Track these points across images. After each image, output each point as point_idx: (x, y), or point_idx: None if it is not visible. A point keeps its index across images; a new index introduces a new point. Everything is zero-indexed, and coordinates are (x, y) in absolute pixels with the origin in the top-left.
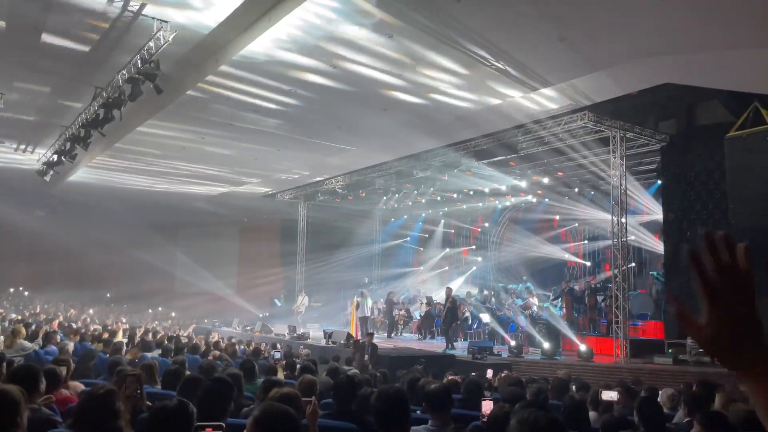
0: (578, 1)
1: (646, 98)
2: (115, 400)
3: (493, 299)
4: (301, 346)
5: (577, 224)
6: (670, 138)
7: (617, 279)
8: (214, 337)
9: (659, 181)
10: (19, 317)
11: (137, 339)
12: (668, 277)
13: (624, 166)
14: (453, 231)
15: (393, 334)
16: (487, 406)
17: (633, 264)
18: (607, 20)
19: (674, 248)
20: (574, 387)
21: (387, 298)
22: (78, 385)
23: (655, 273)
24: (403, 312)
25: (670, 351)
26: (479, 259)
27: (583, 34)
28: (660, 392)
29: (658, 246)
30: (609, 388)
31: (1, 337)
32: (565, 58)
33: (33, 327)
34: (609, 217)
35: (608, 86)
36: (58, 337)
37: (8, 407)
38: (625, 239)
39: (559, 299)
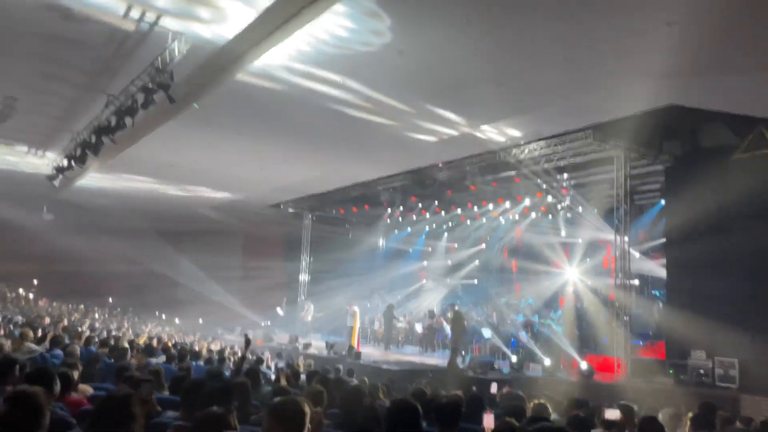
0: (585, 22)
1: (651, 119)
2: (133, 404)
3: (494, 314)
4: (302, 357)
5: (580, 240)
6: (674, 159)
7: (619, 297)
8: (217, 345)
9: (662, 201)
10: (25, 320)
11: (141, 344)
12: (670, 298)
13: (627, 186)
14: (456, 245)
15: (392, 347)
16: (488, 420)
17: (636, 281)
18: (614, 42)
19: (677, 268)
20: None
21: (386, 310)
22: (87, 389)
23: (657, 292)
24: (404, 324)
25: (671, 371)
26: (481, 273)
27: (589, 55)
28: (660, 412)
29: (655, 269)
30: (610, 406)
31: (9, 340)
32: (571, 78)
33: (40, 331)
34: (612, 235)
35: (613, 106)
36: (65, 341)
37: (34, 409)
38: (627, 257)
39: (560, 315)
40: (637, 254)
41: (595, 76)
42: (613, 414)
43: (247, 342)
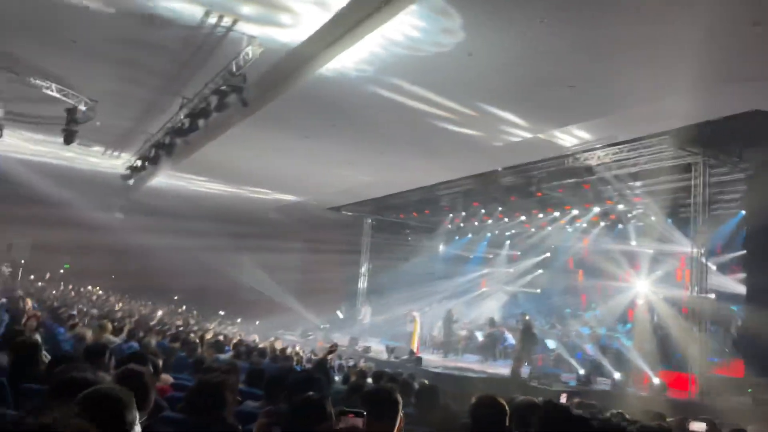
0: (667, 23)
1: (732, 124)
2: (225, 390)
3: (558, 325)
4: (362, 360)
5: (651, 251)
6: (756, 167)
7: (694, 311)
8: (279, 344)
9: (742, 212)
10: (100, 314)
11: (210, 340)
12: (749, 313)
13: (706, 195)
14: (519, 253)
15: (451, 354)
16: None
17: (713, 295)
18: (696, 43)
19: (757, 283)
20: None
21: (446, 316)
22: (168, 378)
23: (734, 308)
24: (465, 332)
25: (749, 390)
26: (545, 282)
27: (669, 57)
28: (747, 429)
29: (732, 284)
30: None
31: (89, 331)
32: (649, 82)
33: (116, 323)
34: (686, 246)
35: (693, 111)
36: (140, 334)
37: (142, 386)
38: (704, 270)
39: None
40: (713, 267)
41: (675, 80)
42: (699, 426)
43: (333, 349)
